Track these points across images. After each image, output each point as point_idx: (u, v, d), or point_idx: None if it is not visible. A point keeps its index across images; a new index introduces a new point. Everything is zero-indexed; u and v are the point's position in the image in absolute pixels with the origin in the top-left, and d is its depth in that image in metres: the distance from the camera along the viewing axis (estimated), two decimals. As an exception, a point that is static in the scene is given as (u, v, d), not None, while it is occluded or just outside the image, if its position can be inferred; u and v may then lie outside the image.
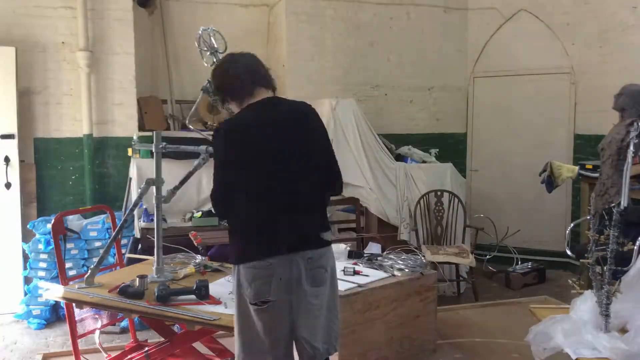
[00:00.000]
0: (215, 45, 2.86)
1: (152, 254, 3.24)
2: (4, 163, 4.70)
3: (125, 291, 2.74)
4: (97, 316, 3.81)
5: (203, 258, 3.40)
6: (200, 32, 2.84)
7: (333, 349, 2.32)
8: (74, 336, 3.19)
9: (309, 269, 2.21)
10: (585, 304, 2.91)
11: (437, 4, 6.21)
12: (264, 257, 2.16)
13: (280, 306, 2.17)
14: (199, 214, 4.75)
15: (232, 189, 2.21)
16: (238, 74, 2.30)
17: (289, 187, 2.22)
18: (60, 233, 3.34)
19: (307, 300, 2.20)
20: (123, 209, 4.92)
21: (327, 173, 2.36)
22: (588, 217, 2.96)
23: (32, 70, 4.99)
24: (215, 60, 2.87)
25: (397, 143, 5.82)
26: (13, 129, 4.71)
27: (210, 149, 2.96)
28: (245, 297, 2.19)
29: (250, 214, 2.21)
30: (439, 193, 5.30)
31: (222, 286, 2.91)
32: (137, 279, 2.82)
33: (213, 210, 2.36)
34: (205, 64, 2.91)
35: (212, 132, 2.35)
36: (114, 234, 3.20)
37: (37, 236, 4.54)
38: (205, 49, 2.85)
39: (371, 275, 3.56)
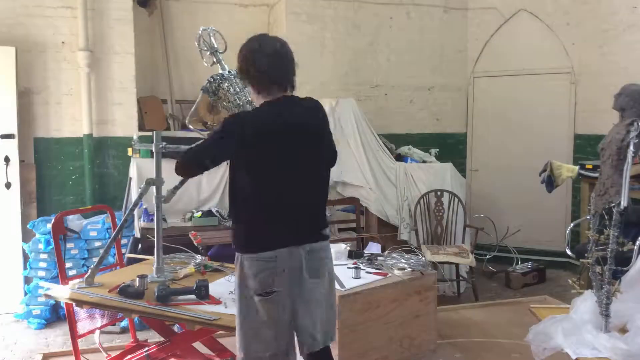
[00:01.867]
0: (215, 45, 2.86)
1: (152, 254, 3.24)
2: (4, 163, 4.70)
3: (125, 291, 2.74)
4: (97, 315, 3.81)
5: (203, 258, 3.40)
6: (200, 32, 2.84)
7: (330, 339, 2.40)
8: (74, 336, 3.19)
9: (308, 261, 2.29)
10: (585, 304, 2.91)
11: (437, 3, 6.21)
12: (269, 249, 2.22)
13: (284, 296, 2.23)
14: (199, 214, 4.76)
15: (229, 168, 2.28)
16: (263, 69, 2.28)
17: (299, 184, 2.30)
18: (60, 233, 3.34)
19: (307, 290, 2.28)
20: (123, 209, 4.92)
21: (331, 154, 2.52)
22: (588, 217, 2.96)
23: (32, 70, 4.99)
24: (215, 60, 2.86)
25: (397, 143, 5.82)
26: (13, 129, 4.71)
27: None
28: (249, 289, 2.23)
29: (259, 206, 2.26)
30: (439, 193, 5.30)
31: (222, 286, 2.91)
32: (137, 278, 2.82)
33: (181, 165, 2.39)
34: (205, 64, 2.91)
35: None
36: (114, 234, 3.20)
37: (37, 236, 4.54)
38: (205, 48, 2.85)
39: (371, 275, 3.56)
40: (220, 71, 2.81)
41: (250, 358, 2.27)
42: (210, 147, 2.32)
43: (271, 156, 2.23)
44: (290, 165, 2.26)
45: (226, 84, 2.73)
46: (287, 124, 2.26)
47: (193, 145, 2.39)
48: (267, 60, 2.27)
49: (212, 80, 2.74)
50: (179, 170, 2.42)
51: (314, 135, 2.36)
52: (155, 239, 3.08)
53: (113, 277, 3.11)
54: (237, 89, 2.74)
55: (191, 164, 2.41)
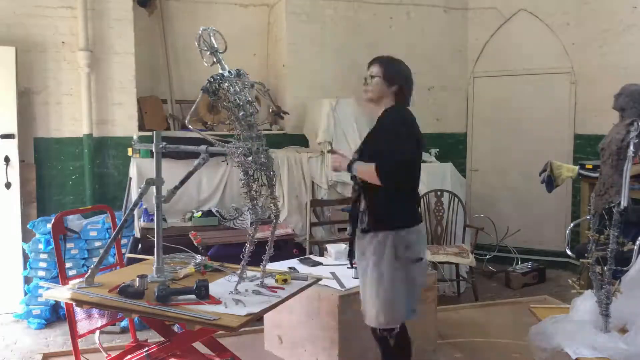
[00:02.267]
0: (216, 45, 2.86)
1: (152, 254, 3.24)
2: (4, 163, 4.70)
3: (125, 291, 2.73)
4: (96, 315, 3.81)
5: (203, 258, 3.40)
6: (200, 31, 2.84)
7: None
8: (74, 336, 3.19)
9: (424, 235, 2.92)
10: (585, 304, 2.91)
11: (437, 3, 6.22)
12: (418, 224, 2.80)
13: (424, 262, 2.85)
14: (199, 213, 4.75)
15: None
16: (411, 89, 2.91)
17: (419, 175, 2.87)
18: (60, 233, 3.33)
19: (425, 257, 2.87)
20: (123, 209, 4.92)
21: None
22: (588, 217, 2.96)
23: (32, 70, 4.99)
24: (215, 60, 2.85)
25: (397, 143, 5.81)
26: (13, 128, 4.71)
27: (211, 148, 2.95)
28: (398, 259, 2.69)
29: (406, 192, 2.77)
30: (439, 193, 5.30)
31: (222, 286, 2.90)
32: (137, 278, 2.81)
33: (386, 179, 2.65)
34: (206, 64, 2.91)
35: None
36: (114, 234, 3.19)
37: (37, 236, 4.55)
38: (205, 48, 2.84)
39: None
40: (220, 71, 2.81)
41: (394, 317, 2.73)
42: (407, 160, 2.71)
43: (418, 150, 2.77)
44: (419, 160, 2.82)
45: (226, 84, 2.73)
46: (418, 129, 2.83)
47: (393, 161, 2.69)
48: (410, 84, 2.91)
49: (212, 80, 2.73)
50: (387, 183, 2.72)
51: (423, 141, 2.90)
52: (155, 239, 3.07)
53: (113, 277, 3.10)
54: (237, 89, 2.74)
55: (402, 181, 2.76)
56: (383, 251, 2.68)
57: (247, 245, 2.86)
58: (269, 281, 2.91)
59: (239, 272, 2.90)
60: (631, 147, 2.73)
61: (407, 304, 2.73)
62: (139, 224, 4.60)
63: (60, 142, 5.12)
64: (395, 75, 2.87)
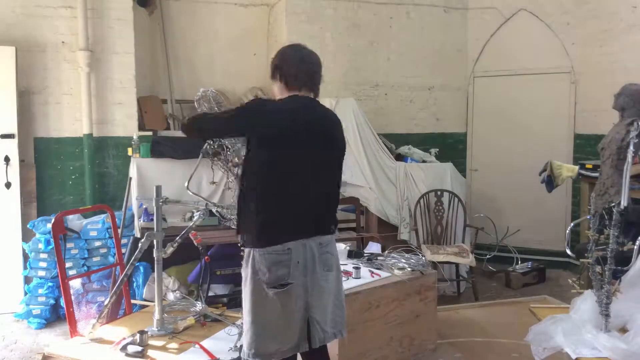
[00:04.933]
0: (215, 108, 2.85)
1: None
2: (4, 163, 4.70)
3: (125, 349, 2.75)
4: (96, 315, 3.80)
5: (202, 305, 3.31)
6: (200, 93, 2.82)
7: (340, 334, 2.43)
8: (74, 336, 3.18)
9: (320, 254, 2.34)
10: (585, 304, 2.91)
11: (437, 3, 6.22)
12: (283, 242, 2.24)
13: (298, 288, 2.26)
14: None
15: (258, 164, 2.27)
16: (303, 69, 2.39)
17: (313, 178, 2.33)
18: (60, 233, 3.34)
19: (319, 283, 2.32)
20: (123, 209, 4.92)
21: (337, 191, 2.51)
22: (588, 217, 2.96)
23: (32, 70, 4.99)
24: None
25: (397, 143, 5.82)
26: (13, 128, 4.71)
27: (209, 206, 2.94)
28: (261, 283, 2.23)
29: (274, 200, 2.27)
30: (439, 193, 5.30)
31: (222, 341, 2.83)
32: (138, 335, 2.81)
33: (186, 125, 2.51)
34: None
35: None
36: (119, 280, 3.17)
37: (37, 236, 4.54)
38: (205, 109, 2.83)
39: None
40: None
41: (259, 353, 2.26)
42: (221, 120, 2.45)
43: (288, 148, 2.26)
44: (305, 162, 2.31)
45: (226, 142, 2.74)
46: (306, 119, 2.33)
47: (209, 113, 2.56)
48: (306, 67, 2.40)
49: (211, 142, 2.74)
50: (184, 127, 2.55)
51: (328, 136, 2.41)
52: (155, 289, 3.04)
53: (116, 327, 3.08)
54: (237, 147, 2.75)
55: (196, 129, 2.52)
56: (248, 274, 2.27)
57: None
58: None
59: (238, 322, 2.85)
60: (631, 147, 2.74)
61: (276, 338, 2.25)
62: (139, 223, 4.59)
63: (60, 142, 5.11)
64: (272, 65, 2.47)
